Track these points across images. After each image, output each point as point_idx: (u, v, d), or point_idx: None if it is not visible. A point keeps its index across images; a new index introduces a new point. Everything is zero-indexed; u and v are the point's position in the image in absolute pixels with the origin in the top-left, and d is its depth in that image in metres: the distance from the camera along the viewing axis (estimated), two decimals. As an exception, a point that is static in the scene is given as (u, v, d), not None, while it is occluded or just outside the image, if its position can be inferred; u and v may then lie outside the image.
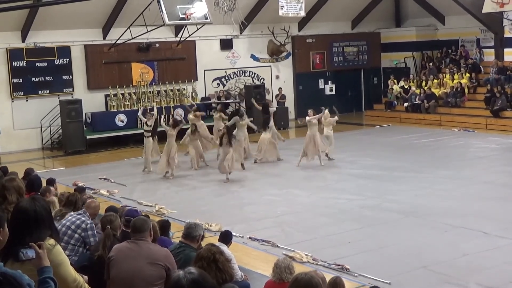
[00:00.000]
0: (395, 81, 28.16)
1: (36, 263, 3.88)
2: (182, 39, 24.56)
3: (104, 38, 23.95)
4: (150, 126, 17.85)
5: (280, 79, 28.17)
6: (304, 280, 4.38)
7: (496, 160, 18.08)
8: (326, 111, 18.17)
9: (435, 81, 27.00)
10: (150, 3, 21.03)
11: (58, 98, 22.92)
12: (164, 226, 8.60)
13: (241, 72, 27.21)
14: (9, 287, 3.17)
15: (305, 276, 4.44)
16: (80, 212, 8.21)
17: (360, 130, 23.70)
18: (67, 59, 23.34)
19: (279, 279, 6.59)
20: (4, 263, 3.83)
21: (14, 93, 22.56)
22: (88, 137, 22.57)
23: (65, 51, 23.27)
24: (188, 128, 18.81)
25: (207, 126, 19.89)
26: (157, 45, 24.71)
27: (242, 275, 8.05)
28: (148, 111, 19.16)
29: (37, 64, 22.81)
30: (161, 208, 13.44)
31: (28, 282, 3.35)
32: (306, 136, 17.60)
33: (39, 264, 3.87)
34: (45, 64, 22.95)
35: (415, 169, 16.73)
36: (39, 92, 22.96)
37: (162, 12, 21.07)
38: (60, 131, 22.70)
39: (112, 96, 23.45)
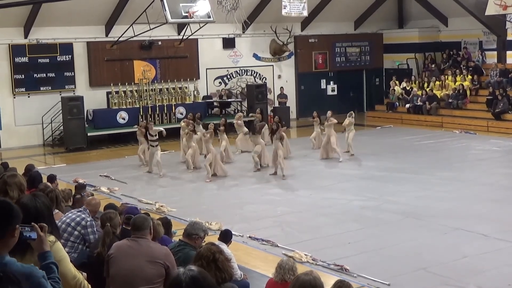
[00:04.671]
0: (397, 82, 28.16)
1: (38, 246, 3.84)
2: (184, 38, 24.58)
3: (106, 35, 23.96)
4: (155, 135, 17.23)
5: (282, 78, 28.16)
6: (308, 282, 4.36)
7: (497, 162, 18.07)
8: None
9: (437, 82, 27.00)
10: (153, 1, 21.04)
11: (60, 94, 22.93)
12: (166, 224, 8.58)
13: (243, 71, 27.21)
14: (9, 284, 3.18)
15: (306, 277, 4.42)
16: (80, 209, 8.21)
17: (362, 131, 23.67)
18: (69, 56, 23.35)
19: (282, 280, 6.58)
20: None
21: (16, 89, 22.57)
22: (89, 134, 22.57)
23: (67, 48, 23.28)
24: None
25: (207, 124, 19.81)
26: (160, 43, 24.72)
27: (241, 274, 8.05)
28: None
29: (39, 60, 22.82)
30: (161, 206, 13.45)
31: (42, 274, 3.38)
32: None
33: (40, 247, 3.84)
34: (47, 60, 22.95)
35: (415, 170, 16.73)
36: (41, 88, 22.96)
37: (165, 10, 21.09)
38: (61, 127, 22.71)
39: (114, 93, 23.45)
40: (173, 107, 24.09)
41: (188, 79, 25.05)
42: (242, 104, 26.45)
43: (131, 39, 22.89)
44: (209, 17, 22.28)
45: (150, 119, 21.64)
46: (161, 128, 17.77)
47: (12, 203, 3.71)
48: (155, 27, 21.82)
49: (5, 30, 21.95)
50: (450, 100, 25.74)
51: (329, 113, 18.88)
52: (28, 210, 4.21)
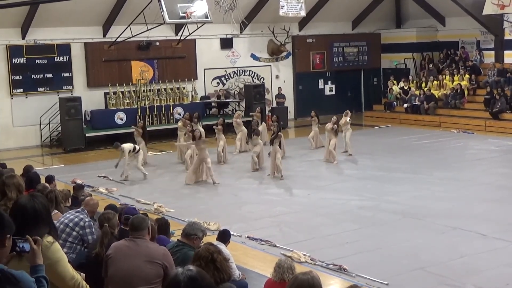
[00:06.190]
0: (395, 82, 28.18)
1: (30, 259, 3.83)
2: (182, 38, 24.57)
3: (104, 36, 23.94)
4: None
5: (280, 78, 28.17)
6: (306, 281, 4.36)
7: (494, 162, 18.07)
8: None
9: (435, 82, 27.02)
10: (151, 1, 21.04)
11: (58, 95, 22.91)
12: (163, 224, 8.57)
13: (241, 71, 27.20)
14: (8, 285, 3.17)
15: (304, 276, 4.42)
16: (78, 209, 8.21)
17: (360, 131, 23.68)
18: (67, 57, 23.33)
19: (281, 279, 6.58)
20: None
21: (13, 90, 22.54)
22: (87, 134, 22.54)
23: (65, 49, 23.26)
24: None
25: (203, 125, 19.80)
26: (157, 43, 24.70)
27: (240, 274, 8.05)
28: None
29: (37, 61, 22.80)
30: (160, 206, 13.45)
31: (32, 280, 3.36)
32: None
33: (33, 260, 3.82)
34: (45, 61, 22.93)
35: (413, 170, 16.74)
36: (39, 89, 22.94)
37: (163, 11, 21.08)
38: (59, 128, 22.68)
39: (112, 94, 23.43)
40: (171, 107, 24.07)
41: (186, 80, 25.04)
42: (240, 104, 26.45)
43: (129, 39, 22.88)
44: (207, 17, 22.27)
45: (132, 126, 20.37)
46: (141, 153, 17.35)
47: (3, 213, 3.68)
48: (153, 28, 21.81)
49: (2, 31, 21.92)
50: (448, 100, 25.76)
51: (334, 118, 18.63)
52: (26, 210, 4.20)
